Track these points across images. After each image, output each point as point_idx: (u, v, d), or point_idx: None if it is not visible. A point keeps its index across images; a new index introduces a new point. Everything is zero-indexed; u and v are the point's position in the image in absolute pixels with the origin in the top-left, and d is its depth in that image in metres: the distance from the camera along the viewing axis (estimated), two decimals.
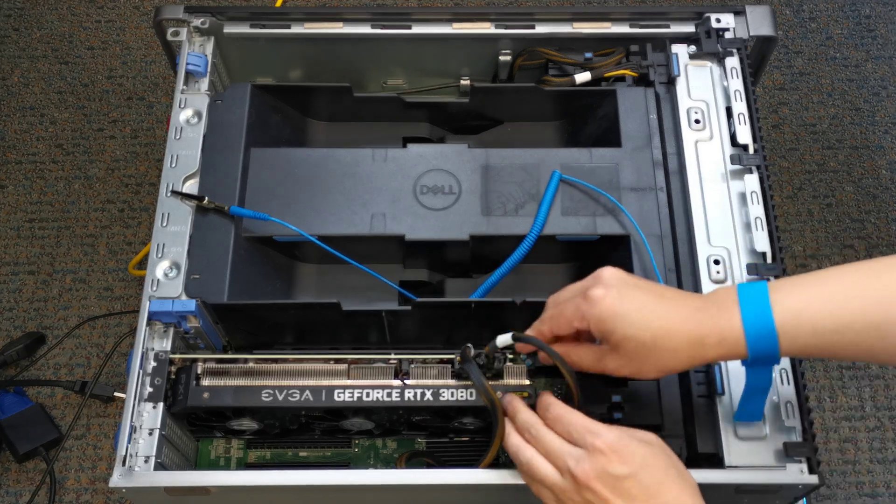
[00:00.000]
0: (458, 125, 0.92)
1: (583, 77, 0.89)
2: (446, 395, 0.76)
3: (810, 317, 0.60)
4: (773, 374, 0.69)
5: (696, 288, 0.78)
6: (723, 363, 0.75)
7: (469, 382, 0.76)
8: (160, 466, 0.72)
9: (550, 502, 0.64)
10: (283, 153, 0.85)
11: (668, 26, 0.91)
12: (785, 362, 0.74)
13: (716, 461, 0.72)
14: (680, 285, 0.78)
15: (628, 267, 0.79)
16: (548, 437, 0.64)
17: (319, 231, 0.80)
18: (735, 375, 0.74)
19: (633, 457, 0.61)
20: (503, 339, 0.71)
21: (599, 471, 0.60)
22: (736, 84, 0.86)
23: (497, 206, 0.82)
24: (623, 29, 0.91)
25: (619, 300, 0.63)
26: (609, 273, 0.65)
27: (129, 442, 0.72)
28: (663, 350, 0.62)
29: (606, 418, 0.75)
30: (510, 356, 0.78)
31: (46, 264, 1.13)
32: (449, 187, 0.83)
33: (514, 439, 0.67)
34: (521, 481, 0.70)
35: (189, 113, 0.85)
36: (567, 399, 0.69)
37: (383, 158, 0.84)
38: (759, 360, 0.62)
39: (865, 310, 0.59)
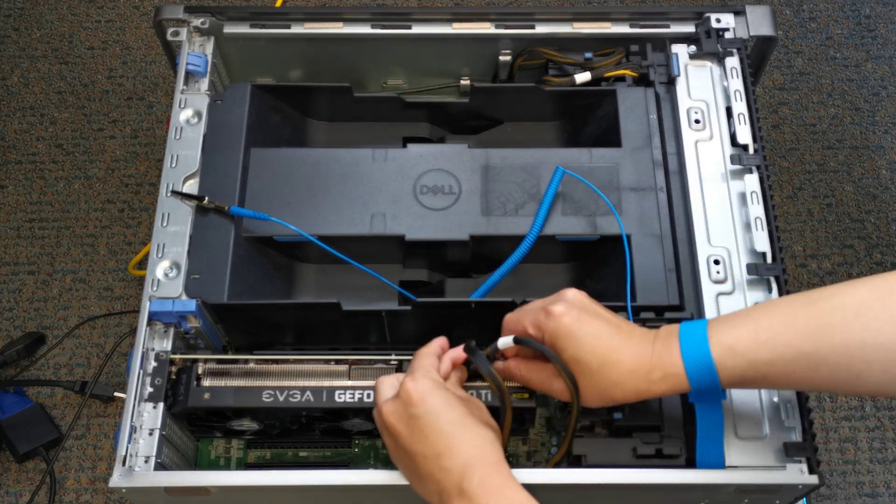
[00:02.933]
0: (458, 125, 0.92)
1: (583, 77, 0.89)
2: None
3: (744, 350, 0.62)
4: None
5: (697, 287, 0.78)
6: None
7: (469, 383, 0.76)
8: (160, 466, 0.72)
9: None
10: (283, 153, 0.85)
11: (668, 26, 0.91)
12: None
13: None
14: (680, 285, 0.78)
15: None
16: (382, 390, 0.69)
17: (319, 231, 0.80)
18: None
19: (426, 403, 0.65)
20: (504, 341, 0.71)
21: (399, 412, 0.65)
22: (736, 84, 0.86)
23: (497, 206, 0.82)
24: (623, 29, 0.91)
25: (576, 321, 0.65)
26: (572, 294, 0.68)
27: (129, 442, 0.72)
28: (608, 379, 0.65)
29: (605, 419, 0.75)
30: (506, 357, 0.78)
31: (46, 264, 1.13)
32: (449, 187, 0.83)
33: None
34: (520, 481, 0.70)
35: (189, 113, 0.85)
36: (565, 404, 0.69)
37: (383, 158, 0.84)
38: (703, 393, 0.65)
39: (795, 341, 0.61)
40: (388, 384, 0.68)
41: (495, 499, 0.61)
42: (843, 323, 0.60)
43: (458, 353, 0.72)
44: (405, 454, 0.66)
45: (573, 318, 0.65)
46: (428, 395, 0.65)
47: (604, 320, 0.66)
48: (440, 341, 0.72)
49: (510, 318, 0.72)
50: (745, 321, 0.63)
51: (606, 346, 0.65)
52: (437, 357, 0.71)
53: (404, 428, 0.65)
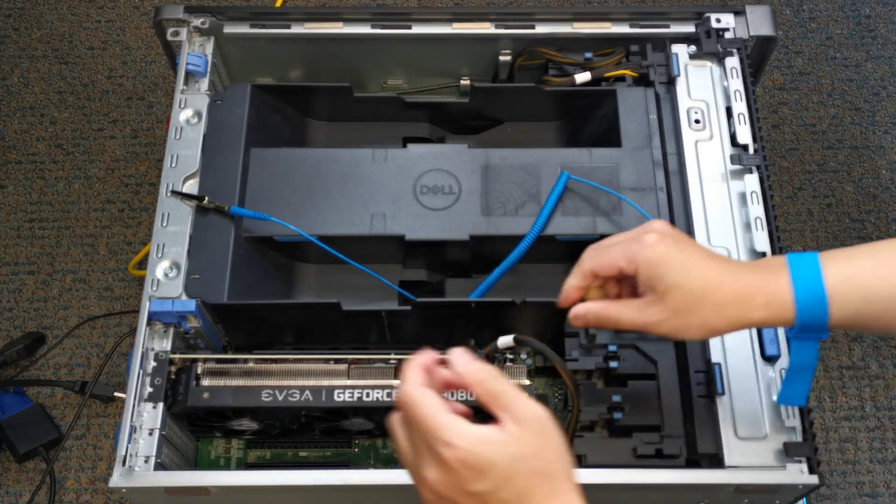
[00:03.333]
0: (458, 125, 0.92)
1: (583, 77, 0.89)
2: (446, 395, 0.76)
3: (861, 283, 0.58)
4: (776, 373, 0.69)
5: None
6: (722, 364, 0.75)
7: None
8: (160, 466, 0.72)
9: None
10: (283, 153, 0.85)
11: (668, 26, 0.91)
12: (784, 362, 0.74)
13: (716, 461, 0.72)
14: None
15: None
16: (400, 442, 0.55)
17: (319, 231, 0.80)
18: (735, 376, 0.74)
19: (492, 469, 0.50)
20: (504, 341, 0.71)
21: (453, 486, 0.51)
22: (736, 84, 0.86)
23: (497, 206, 0.82)
24: (623, 29, 0.91)
25: (673, 247, 0.61)
26: (661, 224, 0.63)
27: (129, 442, 0.72)
28: (710, 304, 0.60)
29: (606, 418, 0.75)
30: (510, 357, 0.78)
31: (46, 264, 1.13)
32: (449, 187, 0.83)
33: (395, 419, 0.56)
34: None
35: (189, 113, 0.85)
36: (565, 402, 0.69)
37: (383, 158, 0.84)
38: (806, 328, 0.60)
39: None
40: (414, 444, 0.54)
41: None
42: None
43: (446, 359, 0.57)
44: None
45: (669, 244, 0.61)
46: (487, 456, 0.50)
47: (697, 247, 0.63)
48: (424, 358, 0.56)
49: (592, 255, 0.65)
50: (864, 253, 0.59)
51: (708, 270, 0.60)
52: (433, 386, 0.56)
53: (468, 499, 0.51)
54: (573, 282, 0.65)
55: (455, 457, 0.50)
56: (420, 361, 0.55)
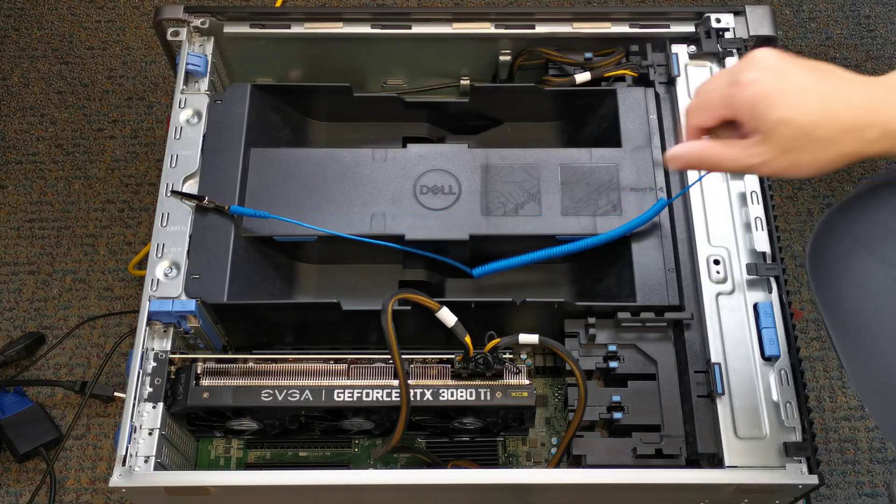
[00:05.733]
0: (458, 125, 0.92)
1: (583, 77, 0.89)
2: (446, 395, 0.76)
3: None
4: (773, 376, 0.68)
5: (697, 287, 0.78)
6: (722, 364, 0.75)
7: (468, 382, 0.77)
8: (160, 466, 0.72)
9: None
10: (283, 153, 0.85)
11: (668, 26, 0.91)
12: (784, 362, 0.75)
13: (716, 461, 0.72)
14: (680, 285, 0.78)
15: (629, 267, 0.79)
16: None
17: (319, 231, 0.80)
18: (735, 376, 0.74)
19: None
20: (527, 338, 0.72)
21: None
22: None
23: (497, 206, 0.82)
24: (623, 29, 0.91)
25: (776, 80, 0.57)
26: (765, 54, 0.58)
27: (129, 442, 0.72)
28: (822, 139, 0.56)
29: (606, 418, 0.75)
30: (510, 356, 0.78)
31: (46, 264, 1.13)
32: (449, 187, 0.83)
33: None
34: (520, 481, 0.70)
35: (189, 113, 0.85)
36: (567, 401, 0.69)
37: (383, 158, 0.84)
38: None
39: None
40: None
41: None
42: None
43: None
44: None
45: (770, 78, 0.57)
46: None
47: (809, 69, 0.58)
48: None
49: (694, 111, 0.61)
50: None
51: (818, 99, 0.56)
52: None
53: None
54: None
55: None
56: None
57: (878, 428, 1.04)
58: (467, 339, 0.75)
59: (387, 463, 0.86)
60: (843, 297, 0.60)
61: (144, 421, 0.73)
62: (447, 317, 0.75)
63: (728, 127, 0.60)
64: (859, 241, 0.60)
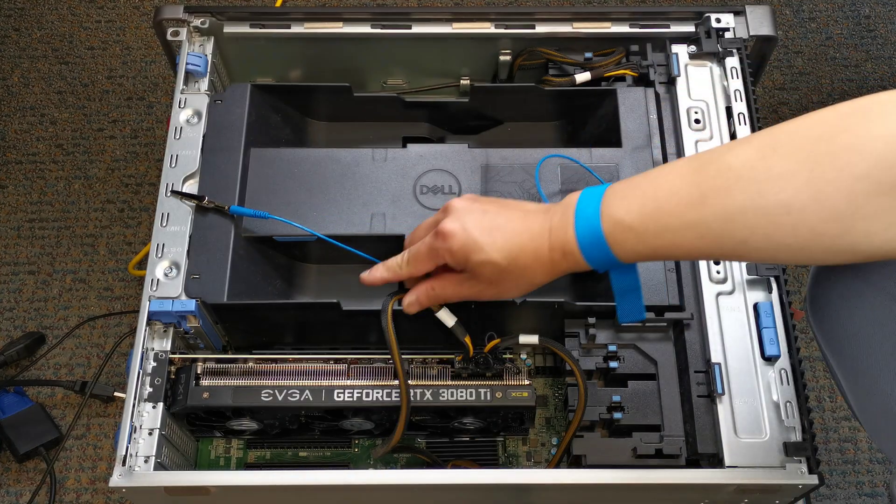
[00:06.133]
0: (458, 125, 0.92)
1: (583, 77, 0.89)
2: (446, 395, 0.76)
3: (632, 223, 0.59)
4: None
5: (697, 287, 0.79)
6: (722, 364, 0.75)
7: (468, 382, 0.77)
8: (160, 466, 0.72)
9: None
10: (283, 153, 0.85)
11: (668, 26, 0.91)
12: (784, 362, 0.75)
13: (716, 461, 0.72)
14: (680, 285, 0.78)
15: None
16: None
17: (319, 231, 0.80)
18: (735, 376, 0.74)
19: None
20: (527, 338, 0.73)
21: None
22: (736, 84, 0.86)
23: None
24: (623, 29, 0.91)
25: (468, 231, 0.65)
26: (459, 204, 0.68)
27: (129, 442, 0.72)
28: (518, 269, 0.65)
29: (606, 418, 0.75)
30: (510, 356, 0.78)
31: (46, 264, 1.13)
32: (449, 187, 0.83)
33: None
34: (520, 481, 0.70)
35: (189, 113, 0.85)
36: (565, 404, 0.69)
37: (383, 158, 0.84)
38: (604, 267, 0.64)
39: (680, 210, 0.57)
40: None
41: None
42: (725, 188, 0.55)
43: None
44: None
45: (462, 230, 0.65)
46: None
47: (495, 213, 0.66)
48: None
49: (408, 260, 0.71)
50: (635, 190, 0.60)
51: (505, 239, 0.65)
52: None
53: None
54: (386, 276, 0.73)
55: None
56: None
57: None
58: (467, 339, 0.75)
59: (387, 463, 0.86)
60: (840, 323, 0.62)
61: (144, 421, 0.73)
62: (447, 317, 0.75)
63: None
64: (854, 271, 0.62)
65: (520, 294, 0.68)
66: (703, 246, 0.58)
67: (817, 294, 0.64)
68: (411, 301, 0.72)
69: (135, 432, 0.72)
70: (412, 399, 0.76)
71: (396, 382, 0.76)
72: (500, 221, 0.66)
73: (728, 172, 0.55)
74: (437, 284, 0.70)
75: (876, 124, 0.51)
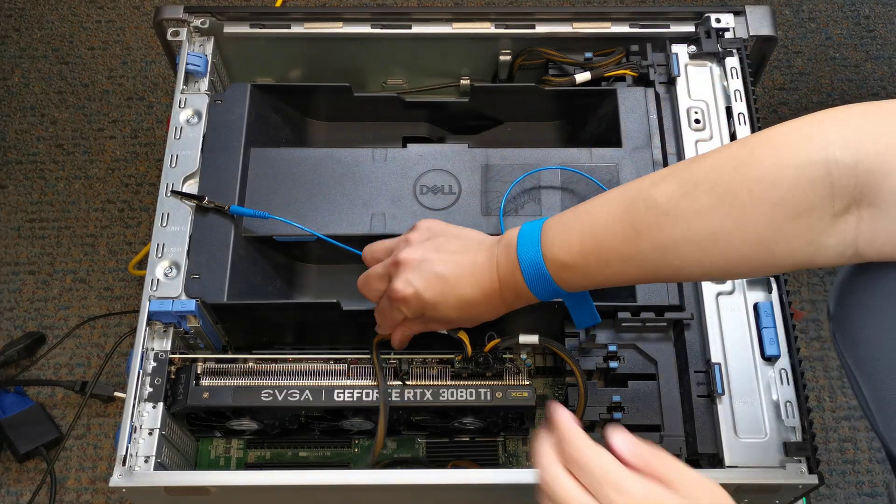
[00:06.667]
0: (458, 125, 0.92)
1: (583, 77, 0.89)
2: (446, 395, 0.76)
3: (574, 262, 0.63)
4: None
5: (697, 287, 0.79)
6: (722, 364, 0.75)
7: (468, 382, 0.77)
8: (160, 466, 0.72)
9: None
10: (283, 153, 0.85)
11: (668, 26, 0.91)
12: (784, 362, 0.75)
13: (716, 461, 0.72)
14: (680, 285, 0.78)
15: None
16: (565, 484, 0.53)
17: (319, 231, 0.80)
18: (735, 376, 0.74)
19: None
20: (527, 338, 0.74)
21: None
22: (736, 84, 0.86)
23: (497, 206, 0.82)
24: (623, 29, 0.91)
25: (420, 294, 0.68)
26: (406, 257, 0.69)
27: (129, 442, 0.72)
28: (473, 314, 0.70)
29: (606, 418, 0.75)
30: (510, 356, 0.78)
31: (46, 264, 1.13)
32: (449, 187, 0.83)
33: (549, 461, 0.55)
34: (520, 481, 0.70)
35: (189, 113, 0.85)
36: (567, 401, 0.69)
37: (383, 158, 0.84)
38: (557, 297, 0.67)
39: (617, 245, 0.61)
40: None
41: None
42: (656, 223, 0.59)
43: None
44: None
45: (416, 297, 0.68)
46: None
47: (444, 267, 0.68)
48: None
49: (379, 323, 0.75)
50: (571, 230, 0.64)
51: (458, 296, 0.68)
52: None
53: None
54: (383, 334, 0.76)
55: (629, 500, 0.50)
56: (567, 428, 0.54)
57: None
58: (466, 340, 0.75)
59: (386, 463, 0.86)
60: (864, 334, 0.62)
61: (144, 421, 0.73)
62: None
63: None
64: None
65: (477, 324, 0.72)
66: (642, 274, 0.62)
67: (843, 316, 0.64)
68: (396, 343, 0.75)
69: (135, 432, 0.72)
70: (413, 399, 0.76)
71: (397, 382, 0.77)
72: (450, 276, 0.68)
73: (656, 209, 0.59)
74: (408, 329, 0.74)
75: (783, 155, 0.55)
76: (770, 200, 0.56)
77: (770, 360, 0.75)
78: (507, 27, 0.91)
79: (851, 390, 0.65)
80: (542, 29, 0.91)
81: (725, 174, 0.57)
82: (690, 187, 0.58)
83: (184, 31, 0.90)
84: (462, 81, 0.98)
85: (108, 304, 1.11)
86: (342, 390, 0.76)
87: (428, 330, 0.74)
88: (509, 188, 0.82)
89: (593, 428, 0.77)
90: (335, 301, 0.77)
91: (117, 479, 0.70)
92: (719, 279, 0.62)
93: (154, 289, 0.77)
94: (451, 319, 0.70)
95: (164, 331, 0.77)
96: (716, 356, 0.75)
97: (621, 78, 0.89)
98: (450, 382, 0.77)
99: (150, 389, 0.74)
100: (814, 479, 0.70)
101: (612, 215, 0.62)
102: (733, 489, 0.71)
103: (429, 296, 0.68)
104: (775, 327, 0.76)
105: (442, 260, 0.69)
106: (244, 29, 0.91)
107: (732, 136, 0.84)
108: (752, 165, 0.56)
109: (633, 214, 0.60)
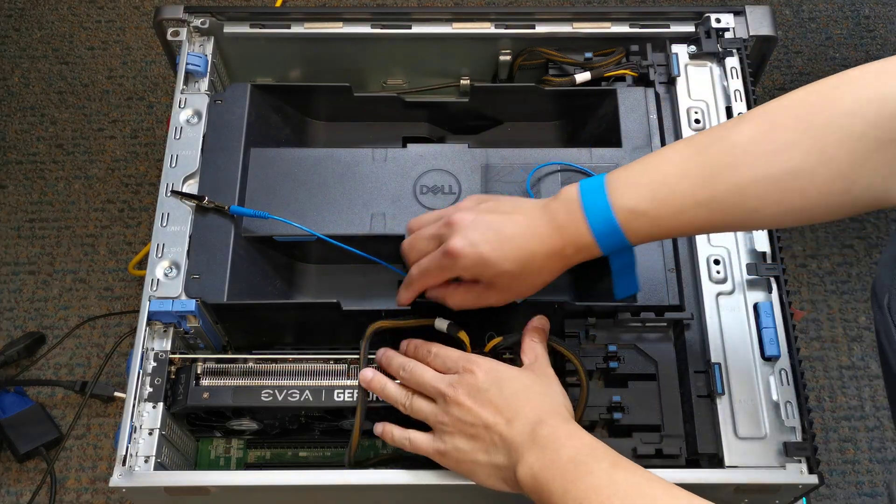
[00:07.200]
0: (458, 125, 0.92)
1: (583, 77, 0.89)
2: None
3: (646, 209, 0.63)
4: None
5: (697, 287, 0.79)
6: (722, 364, 0.75)
7: None
8: (160, 466, 0.72)
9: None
10: (283, 153, 0.85)
11: (668, 26, 0.91)
12: (784, 362, 0.75)
13: (716, 461, 0.72)
14: (680, 285, 0.78)
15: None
16: (423, 372, 0.70)
17: (319, 231, 0.80)
18: (735, 376, 0.75)
19: (498, 374, 0.68)
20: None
21: (467, 387, 0.67)
22: (736, 84, 0.86)
23: None
24: (623, 29, 0.91)
25: (478, 248, 0.67)
26: (460, 218, 0.68)
27: (129, 442, 0.72)
28: (531, 273, 0.68)
29: (605, 418, 0.75)
30: (510, 356, 0.78)
31: (46, 264, 1.13)
32: (449, 187, 0.83)
33: (388, 385, 0.73)
34: None
35: (189, 113, 0.85)
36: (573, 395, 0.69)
37: (383, 158, 0.84)
38: (616, 252, 0.67)
39: (691, 190, 0.62)
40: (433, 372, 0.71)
41: (567, 440, 0.63)
42: (733, 163, 0.60)
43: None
44: (468, 431, 0.67)
45: (471, 247, 0.67)
46: (489, 365, 0.69)
47: (499, 222, 0.67)
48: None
49: (419, 279, 0.72)
50: (642, 176, 0.64)
51: (516, 248, 0.67)
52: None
53: (472, 402, 0.67)
54: (408, 297, 0.74)
55: (475, 365, 0.68)
56: None
57: (878, 428, 1.04)
58: (466, 340, 0.75)
59: (386, 463, 0.86)
60: None
61: (144, 421, 0.73)
62: (439, 324, 0.75)
63: None
64: None
65: (535, 291, 0.70)
66: (715, 220, 0.63)
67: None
68: (431, 298, 0.74)
69: (135, 432, 0.72)
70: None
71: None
72: (507, 231, 0.67)
73: (734, 149, 0.60)
74: (454, 296, 0.72)
75: (865, 89, 0.58)
76: (853, 134, 0.57)
77: (770, 360, 0.75)
78: (507, 27, 0.91)
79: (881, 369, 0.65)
80: (542, 29, 0.92)
81: (805, 110, 0.59)
82: (769, 126, 0.60)
83: (184, 31, 0.90)
84: (462, 81, 0.98)
85: (108, 304, 1.11)
86: (342, 390, 0.76)
87: (473, 306, 0.72)
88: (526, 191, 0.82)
89: (593, 428, 0.77)
90: (335, 301, 0.77)
91: (117, 479, 0.70)
92: (791, 224, 0.63)
93: (154, 289, 0.77)
94: (509, 281, 0.68)
95: (164, 331, 0.77)
96: (716, 356, 0.75)
97: (621, 78, 0.89)
98: None
99: (150, 389, 0.74)
100: (814, 479, 0.70)
101: (686, 159, 0.62)
102: (733, 489, 0.71)
103: (487, 250, 0.67)
104: (775, 327, 0.76)
105: (498, 219, 0.68)
106: (244, 29, 0.91)
107: None
108: (835, 101, 0.58)
109: (709, 156, 0.61)
